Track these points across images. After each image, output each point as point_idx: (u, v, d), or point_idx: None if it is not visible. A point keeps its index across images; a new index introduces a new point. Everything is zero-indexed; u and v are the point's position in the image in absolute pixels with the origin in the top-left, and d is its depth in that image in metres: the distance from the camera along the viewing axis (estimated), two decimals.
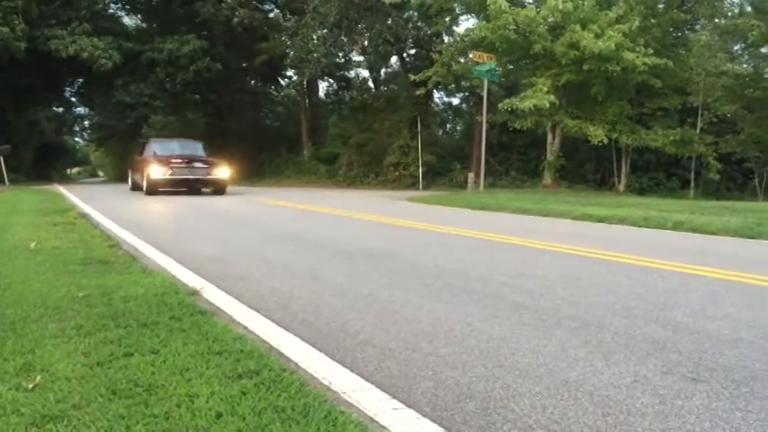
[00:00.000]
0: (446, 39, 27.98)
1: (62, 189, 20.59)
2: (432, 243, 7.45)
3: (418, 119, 26.66)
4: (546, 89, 21.10)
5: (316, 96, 38.55)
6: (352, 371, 2.71)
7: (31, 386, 2.37)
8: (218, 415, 2.14)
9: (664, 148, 23.12)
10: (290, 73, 37.44)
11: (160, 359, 2.69)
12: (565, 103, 23.02)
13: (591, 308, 3.95)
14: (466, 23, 28.48)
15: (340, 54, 33.34)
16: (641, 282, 4.90)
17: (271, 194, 17.98)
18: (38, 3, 28.55)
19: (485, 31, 22.05)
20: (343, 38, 29.97)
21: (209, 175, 17.39)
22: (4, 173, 21.32)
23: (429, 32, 29.34)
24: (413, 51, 32.21)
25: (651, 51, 21.03)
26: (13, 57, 27.20)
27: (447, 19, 27.11)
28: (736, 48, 25.28)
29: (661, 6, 23.37)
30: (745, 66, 24.04)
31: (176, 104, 35.48)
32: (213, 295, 4.12)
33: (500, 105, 22.23)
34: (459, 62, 24.66)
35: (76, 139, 64.39)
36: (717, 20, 23.88)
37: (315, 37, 28.77)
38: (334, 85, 41.12)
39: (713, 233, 8.87)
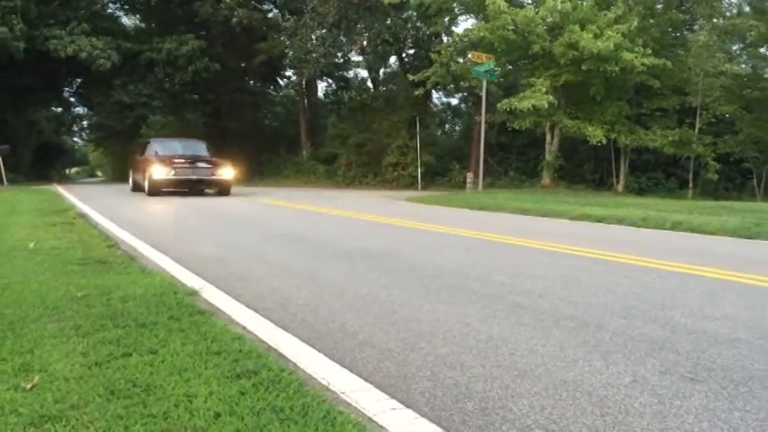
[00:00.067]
0: (445, 39, 27.98)
1: (61, 189, 20.58)
2: (430, 243, 7.45)
3: (417, 119, 26.65)
4: (545, 89, 21.11)
5: (314, 96, 38.55)
6: (351, 371, 2.71)
7: (29, 386, 2.36)
8: (217, 415, 2.14)
9: (662, 149, 23.13)
10: (288, 73, 37.49)
11: (159, 359, 2.69)
12: (563, 104, 23.03)
13: (589, 308, 3.95)
14: (465, 24, 28.43)
15: (339, 54, 33.36)
16: (640, 282, 4.90)
17: (270, 194, 17.97)
18: (36, 3, 28.56)
19: (483, 31, 22.05)
20: (341, 38, 29.99)
21: (213, 175, 16.97)
22: (3, 173, 21.33)
23: (428, 33, 29.34)
24: (412, 51, 32.22)
25: (650, 51, 21.04)
26: (11, 57, 27.19)
27: (446, 19, 27.10)
28: (734, 48, 25.32)
29: (660, 7, 23.40)
30: (743, 66, 24.05)
31: (175, 104, 35.50)
32: (212, 295, 4.12)
33: (499, 105, 22.23)
34: (457, 62, 24.66)
35: (75, 139, 64.39)
36: (715, 20, 23.90)
37: (314, 37, 28.78)
38: (333, 85, 41.18)
39: (712, 233, 8.87)
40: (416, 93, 26.92)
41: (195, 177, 16.80)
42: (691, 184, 24.14)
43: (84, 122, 51.34)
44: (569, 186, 24.49)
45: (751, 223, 9.35)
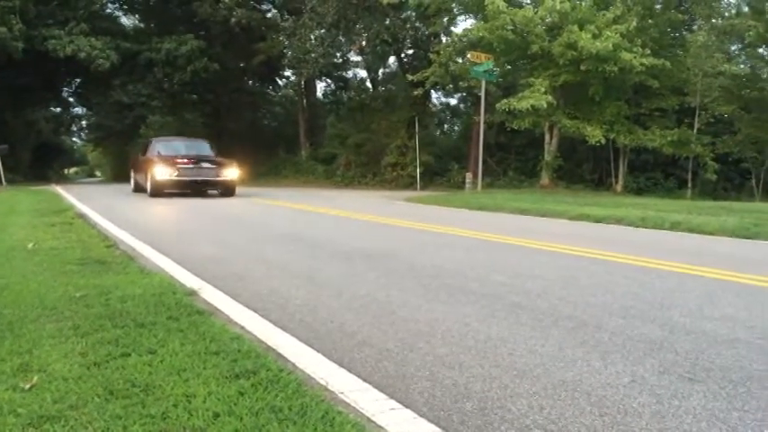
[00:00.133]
0: (444, 39, 27.97)
1: (59, 189, 20.56)
2: (429, 243, 7.45)
3: (416, 119, 26.65)
4: (543, 89, 21.10)
5: (313, 96, 38.55)
6: (350, 371, 2.71)
7: (28, 386, 2.36)
8: (216, 415, 2.14)
9: (661, 149, 23.14)
10: (287, 73, 37.51)
11: (157, 359, 2.69)
12: (562, 104, 23.03)
13: (588, 308, 3.95)
14: (464, 24, 28.45)
15: (338, 54, 33.38)
16: (639, 282, 4.91)
17: (268, 195, 17.95)
18: (35, 3, 28.54)
19: (482, 31, 22.05)
20: (340, 38, 30.01)
21: (217, 176, 16.51)
22: (2, 173, 21.32)
23: (427, 33, 29.34)
24: (411, 52, 32.21)
25: (648, 52, 21.04)
26: (10, 57, 27.17)
27: (445, 19, 27.10)
28: (733, 48, 25.33)
29: (658, 7, 23.39)
30: (742, 66, 24.06)
31: (174, 104, 35.50)
32: (211, 295, 4.12)
33: (498, 106, 22.21)
34: (456, 62, 24.66)
35: (74, 139, 64.30)
36: (714, 20, 23.90)
37: (313, 37, 28.78)
38: (332, 85, 41.20)
39: (710, 233, 8.88)
40: (415, 93, 26.91)
41: (199, 178, 16.38)
42: (689, 185, 24.15)
43: (83, 122, 51.41)
44: (568, 186, 24.50)
45: (750, 223, 9.35)
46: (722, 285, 4.84)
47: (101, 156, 66.14)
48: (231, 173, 16.69)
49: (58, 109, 45.46)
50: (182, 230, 9.12)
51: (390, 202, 16.59)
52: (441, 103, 38.45)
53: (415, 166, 26.38)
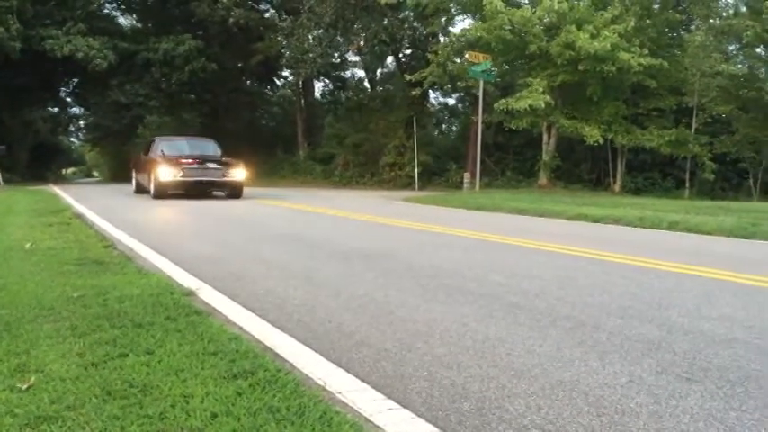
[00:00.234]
0: (442, 39, 28.01)
1: (57, 189, 20.54)
2: (427, 243, 7.45)
3: (414, 119, 26.66)
4: (541, 89, 21.14)
5: (311, 96, 38.55)
6: (348, 371, 2.71)
7: (25, 387, 2.36)
8: (214, 415, 2.14)
9: (659, 149, 23.18)
10: (285, 73, 37.51)
11: (155, 360, 2.69)
12: (560, 104, 23.06)
13: (586, 308, 3.95)
14: (462, 24, 28.60)
15: (336, 54, 33.38)
16: (636, 282, 4.91)
17: (266, 195, 17.91)
18: (33, 3, 28.54)
19: (480, 31, 22.07)
20: (338, 38, 30.02)
21: (224, 176, 15.78)
22: None
23: (425, 33, 29.38)
24: (409, 52, 32.25)
25: (646, 52, 21.09)
26: (7, 57, 27.17)
27: (443, 19, 27.15)
28: (730, 48, 25.35)
29: (656, 7, 23.44)
30: (739, 66, 24.11)
31: (172, 104, 35.45)
32: (209, 295, 4.11)
33: (496, 106, 22.24)
34: (454, 62, 24.69)
35: (72, 139, 64.24)
36: (712, 20, 23.96)
37: (311, 37, 28.79)
38: (330, 85, 41.18)
39: (708, 233, 8.89)
40: (413, 93, 26.93)
41: (205, 179, 15.68)
42: (687, 184, 24.20)
43: (81, 122, 51.29)
44: (566, 186, 24.53)
45: (747, 223, 9.36)
46: (720, 285, 4.84)
47: (98, 156, 65.96)
48: (238, 173, 16.01)
49: (56, 109, 45.45)
50: (179, 230, 9.11)
51: (388, 202, 16.60)
52: (439, 103, 38.53)
53: (413, 166, 26.39)
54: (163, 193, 15.28)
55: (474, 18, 25.49)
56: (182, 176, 15.28)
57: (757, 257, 6.92)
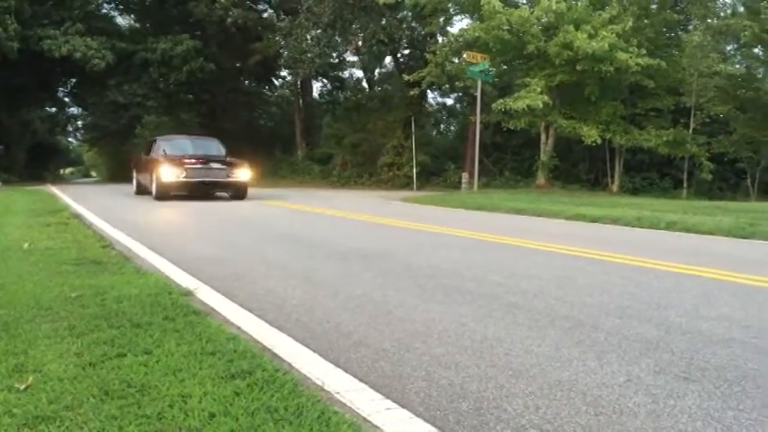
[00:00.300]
0: (440, 39, 28.02)
1: (55, 189, 20.52)
2: (425, 243, 7.45)
3: (412, 119, 26.67)
4: (539, 89, 21.15)
5: (310, 96, 38.55)
6: (346, 371, 2.71)
7: (23, 387, 2.36)
8: (211, 415, 2.14)
9: (657, 149, 23.21)
10: (283, 73, 37.49)
11: (153, 360, 2.69)
12: (558, 104, 23.08)
13: (584, 308, 3.96)
14: (460, 24, 28.67)
15: (334, 54, 33.37)
16: (635, 282, 4.91)
17: (264, 195, 17.88)
18: (30, 3, 28.51)
19: (478, 31, 22.08)
20: (337, 38, 30.00)
21: (228, 177, 15.36)
22: None
23: (423, 33, 29.38)
24: (407, 52, 32.24)
25: (644, 52, 21.10)
26: (5, 57, 27.14)
27: (441, 19, 27.16)
28: (728, 48, 25.39)
29: (654, 7, 23.46)
30: (737, 66, 24.14)
31: (169, 104, 35.40)
32: (207, 296, 4.11)
33: (494, 106, 22.25)
34: (452, 62, 24.69)
35: (70, 139, 64.18)
36: (709, 20, 23.98)
37: (309, 37, 28.78)
38: (328, 85, 41.18)
39: (706, 233, 8.90)
40: (411, 93, 26.92)
41: (208, 179, 15.20)
42: (685, 184, 24.22)
43: (79, 122, 51.22)
44: (564, 186, 24.55)
45: (745, 223, 9.38)
46: (718, 285, 4.85)
47: (96, 156, 65.85)
48: (243, 174, 15.58)
49: (54, 109, 45.40)
50: (177, 230, 9.11)
51: (387, 202, 16.60)
52: (437, 103, 38.59)
53: (412, 166, 26.40)
54: (165, 194, 14.87)
55: (472, 18, 25.50)
56: (185, 177, 14.82)
57: (755, 257, 6.93)
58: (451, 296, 4.29)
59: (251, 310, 3.75)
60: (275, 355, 2.89)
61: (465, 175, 23.46)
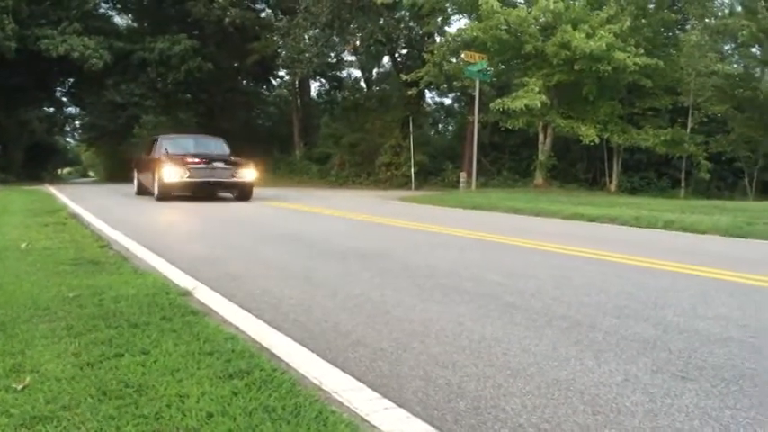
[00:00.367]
0: (438, 39, 28.03)
1: (53, 189, 20.49)
2: (423, 243, 7.45)
3: (410, 119, 26.67)
4: (537, 89, 21.17)
5: (307, 96, 38.53)
6: (344, 370, 2.71)
7: (20, 387, 2.35)
8: (209, 415, 2.13)
9: (655, 148, 23.23)
10: (281, 73, 37.50)
11: (151, 359, 2.68)
12: (556, 103, 23.09)
13: (582, 307, 3.96)
14: (458, 23, 28.61)
15: (332, 54, 33.38)
16: (632, 281, 4.92)
17: (262, 195, 17.83)
18: (28, 2, 28.45)
19: (476, 31, 22.09)
20: (334, 38, 30.00)
21: (233, 177, 14.92)
22: None
23: (421, 32, 29.38)
24: (405, 51, 32.26)
25: (642, 51, 21.13)
26: (2, 56, 27.09)
27: (439, 19, 27.17)
28: (726, 48, 25.44)
29: (652, 6, 23.49)
30: (735, 66, 24.19)
31: (167, 104, 35.37)
32: (205, 295, 4.10)
33: (492, 105, 22.27)
34: (450, 62, 24.71)
35: (67, 139, 64.04)
36: (707, 20, 24.01)
37: (307, 37, 28.79)
38: (326, 85, 41.16)
39: (704, 232, 8.91)
40: (409, 93, 26.94)
41: (212, 179, 14.72)
42: (683, 184, 24.24)
43: (77, 122, 51.08)
44: (562, 186, 24.56)
45: (742, 222, 9.40)
46: (715, 284, 4.85)
47: (94, 156, 65.79)
48: (248, 174, 15.18)
49: (51, 109, 45.26)
50: (174, 230, 9.10)
51: (385, 201, 16.60)
52: (435, 103, 38.58)
53: (410, 166, 26.40)
54: (167, 194, 14.42)
55: (470, 18, 25.51)
56: (188, 177, 14.36)
57: (753, 256, 6.94)
58: (449, 296, 4.29)
59: (249, 310, 3.74)
60: (273, 354, 2.89)
61: (463, 175, 23.47)
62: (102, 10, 35.68)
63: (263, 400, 2.25)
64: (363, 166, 30.20)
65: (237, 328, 3.33)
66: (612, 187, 24.86)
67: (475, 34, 22.12)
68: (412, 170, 26.23)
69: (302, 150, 33.74)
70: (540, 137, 24.13)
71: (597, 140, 22.42)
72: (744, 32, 21.61)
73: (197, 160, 14.80)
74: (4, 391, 2.33)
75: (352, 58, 36.34)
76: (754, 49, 23.90)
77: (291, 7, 29.15)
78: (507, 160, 29.05)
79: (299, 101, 36.45)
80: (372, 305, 3.98)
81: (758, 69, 24.61)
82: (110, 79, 32.29)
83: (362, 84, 38.32)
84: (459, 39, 23.95)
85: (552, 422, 2.21)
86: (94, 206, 12.28)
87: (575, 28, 20.78)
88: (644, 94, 24.03)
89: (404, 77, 26.65)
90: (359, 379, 2.61)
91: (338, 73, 39.13)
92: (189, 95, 35.98)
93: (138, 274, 4.70)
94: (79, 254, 5.62)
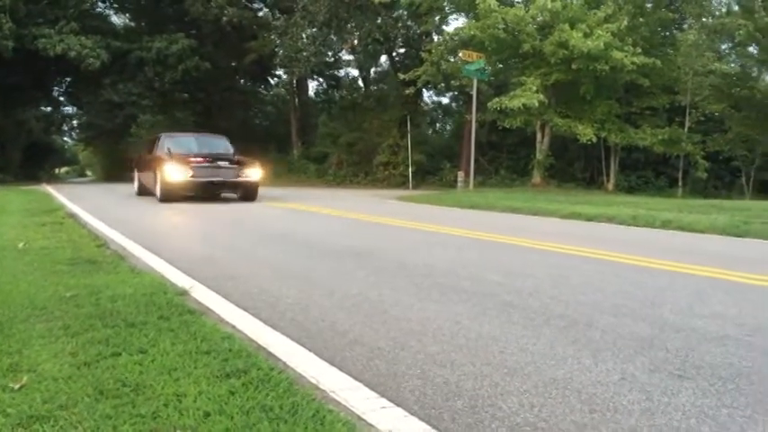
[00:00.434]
0: (435, 38, 28.01)
1: (50, 189, 20.46)
2: (421, 242, 7.46)
3: (408, 118, 26.67)
4: (535, 88, 21.15)
5: (305, 95, 38.52)
6: (341, 369, 2.71)
7: (17, 386, 2.35)
8: (206, 414, 2.13)
9: (652, 147, 23.25)
10: (279, 72, 37.44)
11: (148, 359, 2.68)
12: (554, 102, 23.09)
13: (579, 306, 3.96)
14: (455, 22, 28.50)
15: (329, 53, 33.39)
16: (629, 280, 4.92)
17: (261, 194, 17.84)
18: (25, 1, 28.38)
19: (474, 29, 22.09)
20: (332, 37, 30.00)
21: (238, 176, 14.40)
22: None
23: (418, 31, 29.39)
24: (402, 50, 32.26)
25: (639, 50, 21.12)
26: (0, 55, 27.01)
27: (436, 18, 27.15)
28: (723, 47, 25.46)
29: (649, 6, 23.49)
30: (732, 65, 24.22)
31: (165, 103, 35.36)
32: (202, 295, 4.10)
33: (489, 104, 22.26)
34: (448, 61, 24.69)
35: (65, 138, 63.95)
36: (704, 19, 24.02)
37: (304, 36, 28.77)
38: (324, 84, 41.18)
39: (701, 231, 8.92)
40: (407, 92, 26.93)
41: (216, 179, 14.21)
42: (680, 183, 24.26)
43: (74, 122, 51.07)
44: (560, 185, 24.57)
45: (740, 221, 9.41)
46: (712, 283, 4.86)
47: (91, 155, 65.75)
48: (254, 173, 14.68)
49: (49, 108, 45.18)
50: (172, 230, 9.09)
51: (382, 200, 16.60)
52: (432, 102, 38.62)
53: (407, 165, 26.40)
54: (171, 195, 13.84)
55: (467, 17, 25.49)
56: (191, 177, 13.81)
57: (749, 256, 6.95)
58: (447, 295, 4.29)
59: (246, 309, 3.74)
60: (270, 353, 2.89)
61: (461, 174, 23.47)
62: (99, 9, 35.67)
63: (260, 399, 2.25)
64: (361, 166, 30.19)
65: (234, 327, 3.33)
66: (610, 186, 24.88)
67: (472, 33, 22.12)
68: (410, 169, 26.23)
69: (300, 150, 33.72)
70: (538, 136, 24.14)
71: (595, 139, 22.42)
72: (741, 32, 21.62)
73: (200, 159, 14.37)
74: (1, 390, 2.33)
75: (350, 58, 36.40)
76: (751, 49, 23.92)
77: (289, 6, 29.12)
78: (505, 159, 29.06)
79: (296, 100, 36.43)
80: (370, 304, 3.99)
81: (755, 68, 24.64)
82: (107, 78, 32.26)
83: (360, 83, 38.35)
84: (456, 38, 23.94)
85: (549, 421, 2.22)
86: (92, 206, 12.25)
87: (572, 27, 20.77)
88: (641, 94, 24.04)
89: (401, 76, 26.64)
90: (356, 378, 2.61)
91: (336, 72, 39.18)
92: (186, 95, 35.95)
93: (136, 273, 4.69)
94: (76, 253, 5.61)
